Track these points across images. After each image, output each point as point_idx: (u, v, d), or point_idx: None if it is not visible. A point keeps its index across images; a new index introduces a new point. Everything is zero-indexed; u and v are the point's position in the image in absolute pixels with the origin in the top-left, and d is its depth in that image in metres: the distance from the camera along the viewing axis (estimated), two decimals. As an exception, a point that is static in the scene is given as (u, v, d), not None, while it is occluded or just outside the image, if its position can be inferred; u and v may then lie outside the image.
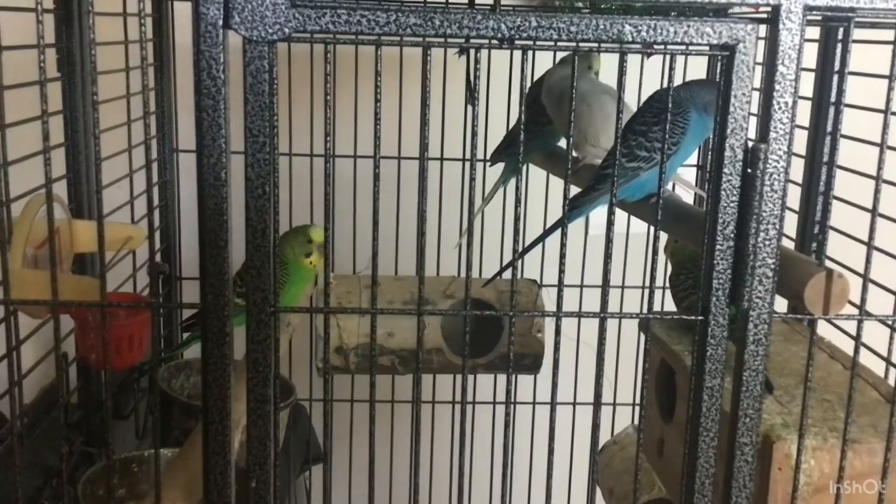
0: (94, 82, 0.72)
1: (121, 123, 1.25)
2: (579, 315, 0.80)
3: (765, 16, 0.74)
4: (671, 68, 0.75)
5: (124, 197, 1.31)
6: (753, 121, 0.73)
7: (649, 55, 1.62)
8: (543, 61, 1.53)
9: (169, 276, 1.53)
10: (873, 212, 0.78)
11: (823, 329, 1.15)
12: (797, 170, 1.24)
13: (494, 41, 0.72)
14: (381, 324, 1.49)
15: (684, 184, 1.34)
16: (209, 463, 0.74)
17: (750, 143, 0.73)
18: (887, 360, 0.98)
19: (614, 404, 1.70)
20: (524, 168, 1.57)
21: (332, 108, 1.61)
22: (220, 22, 0.68)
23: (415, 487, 0.81)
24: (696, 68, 1.64)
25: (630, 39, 0.72)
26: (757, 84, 0.77)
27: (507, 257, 1.64)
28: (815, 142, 1.20)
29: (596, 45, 0.74)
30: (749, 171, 0.73)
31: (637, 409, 1.67)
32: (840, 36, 1.13)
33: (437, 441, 1.71)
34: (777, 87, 0.72)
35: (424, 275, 1.67)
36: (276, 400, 0.76)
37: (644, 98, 1.12)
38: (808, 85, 1.22)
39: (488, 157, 1.59)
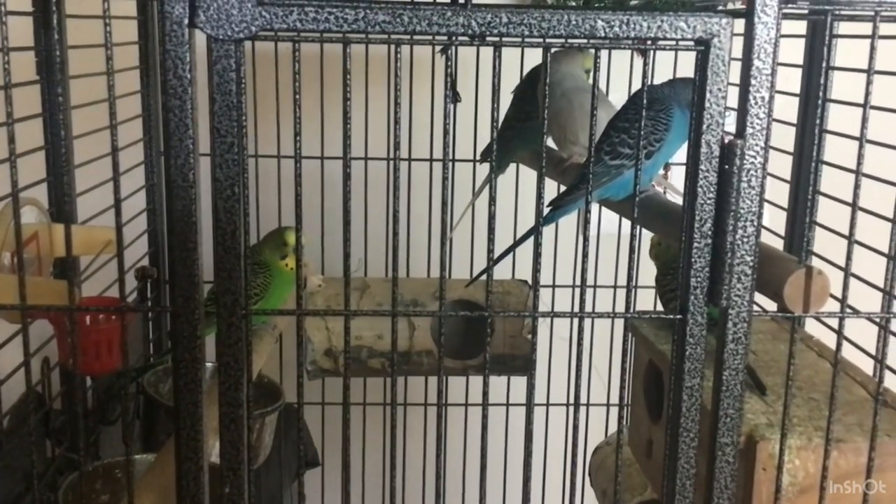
0: (66, 84, 0.71)
1: (105, 126, 1.24)
2: (557, 315, 0.79)
3: (741, 8, 0.73)
4: (645, 63, 0.74)
5: (111, 200, 1.30)
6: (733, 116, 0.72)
7: (642, 55, 1.61)
8: (533, 57, 1.53)
9: (157, 279, 1.52)
10: (853, 206, 0.77)
11: (812, 327, 1.14)
12: (786, 167, 1.23)
13: (465, 38, 0.71)
14: (369, 326, 1.48)
15: (675, 192, 1.33)
16: (182, 469, 0.73)
17: (727, 139, 0.72)
18: (875, 358, 0.97)
19: (607, 405, 1.69)
20: (512, 166, 1.56)
21: (321, 109, 1.61)
22: (186, 21, 0.67)
23: (392, 490, 0.80)
24: (687, 66, 1.63)
25: (603, 35, 0.71)
26: (734, 79, 0.75)
27: (498, 257, 1.63)
28: (802, 138, 1.18)
29: (580, 41, 0.72)
30: (726, 167, 0.71)
31: (629, 409, 1.66)
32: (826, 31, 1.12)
33: (430, 443, 1.71)
34: (753, 81, 0.71)
35: (414, 276, 1.67)
36: (249, 404, 0.75)
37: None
38: (797, 81, 1.21)
39: (477, 156, 1.58)
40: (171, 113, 0.68)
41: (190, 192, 0.70)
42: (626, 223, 1.62)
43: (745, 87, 0.71)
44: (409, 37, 0.70)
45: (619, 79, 1.64)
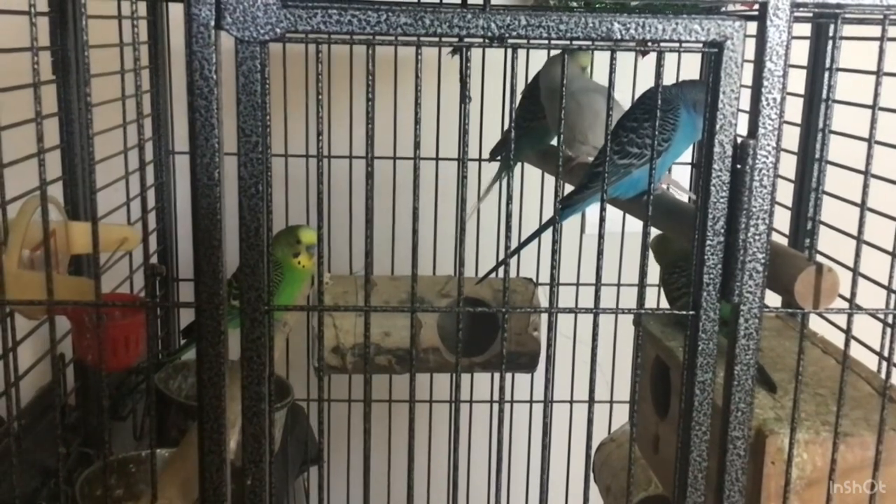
0: (88, 84, 0.72)
1: (116, 125, 1.26)
2: (572, 311, 0.81)
3: (753, 12, 0.75)
4: (659, 65, 0.75)
5: (121, 199, 1.31)
6: (744, 117, 0.74)
7: (644, 55, 1.63)
8: (538, 59, 1.54)
9: (166, 277, 1.53)
10: (862, 206, 0.79)
11: (816, 324, 1.16)
12: (790, 166, 1.25)
13: (485, 40, 0.72)
14: (377, 323, 1.49)
15: (680, 188, 1.35)
16: (205, 461, 0.75)
17: (739, 139, 0.73)
18: (880, 354, 0.99)
19: (611, 402, 1.71)
20: (517, 166, 1.58)
21: (328, 108, 1.62)
22: (212, 23, 0.69)
23: (410, 484, 0.81)
24: (690, 67, 1.65)
25: (619, 37, 0.72)
26: (746, 81, 0.77)
27: (503, 256, 1.64)
28: (807, 138, 1.20)
29: (588, 42, 0.74)
30: (738, 166, 0.73)
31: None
32: (830, 33, 1.14)
33: (434, 440, 1.72)
34: (765, 83, 0.72)
35: (420, 274, 1.68)
36: (271, 398, 0.76)
37: (637, 96, 1.13)
38: (800, 82, 1.23)
39: (484, 155, 1.60)
40: (198, 113, 0.70)
41: (215, 190, 0.71)
42: (629, 222, 1.64)
43: (757, 88, 0.73)
44: (416, 38, 0.72)
45: (622, 79, 1.66)
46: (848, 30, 1.12)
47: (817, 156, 1.17)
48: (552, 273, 0.78)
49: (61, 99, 1.11)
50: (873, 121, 0.77)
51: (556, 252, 0.78)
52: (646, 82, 1.44)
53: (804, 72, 1.22)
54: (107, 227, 1.10)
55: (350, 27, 0.70)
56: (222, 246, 0.72)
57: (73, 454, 1.17)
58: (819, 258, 1.16)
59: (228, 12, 0.69)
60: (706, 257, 0.75)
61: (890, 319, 0.86)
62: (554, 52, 1.43)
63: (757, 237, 0.74)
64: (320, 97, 0.73)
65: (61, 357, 1.10)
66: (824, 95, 1.14)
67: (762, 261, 0.74)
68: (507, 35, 0.71)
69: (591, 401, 0.81)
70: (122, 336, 1.06)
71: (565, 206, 1.08)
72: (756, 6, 0.72)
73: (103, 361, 0.75)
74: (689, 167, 1.72)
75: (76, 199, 1.14)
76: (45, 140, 0.76)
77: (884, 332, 0.90)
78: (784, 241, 1.27)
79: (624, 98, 1.52)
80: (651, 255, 1.22)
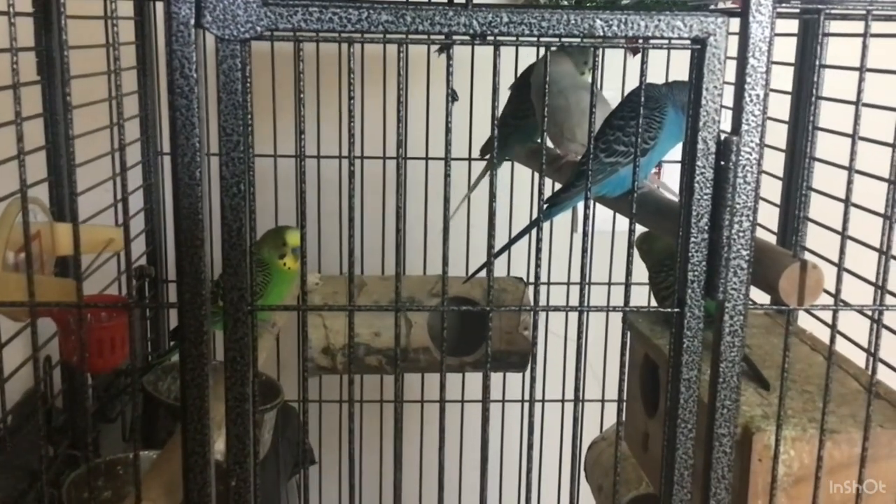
0: (67, 84, 0.72)
1: (103, 126, 1.25)
2: (557, 309, 0.80)
3: (736, 8, 0.75)
4: (643, 62, 0.75)
5: (110, 200, 1.31)
6: (728, 114, 0.74)
7: (634, 53, 1.63)
8: (527, 56, 1.54)
9: (155, 278, 1.53)
10: (846, 202, 0.79)
11: (805, 321, 1.16)
12: (778, 163, 1.25)
13: (466, 37, 0.72)
14: (367, 323, 1.49)
15: (668, 191, 1.35)
16: (188, 462, 0.74)
17: (723, 136, 0.73)
18: (867, 350, 0.99)
19: (602, 400, 1.71)
20: (504, 163, 1.58)
21: (318, 108, 1.62)
22: (192, 21, 0.68)
23: (397, 484, 0.81)
24: (680, 66, 1.65)
25: (602, 34, 0.72)
26: (730, 78, 0.77)
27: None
28: (794, 135, 1.20)
29: (576, 40, 0.74)
30: (722, 163, 0.73)
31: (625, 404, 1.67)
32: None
33: (426, 440, 1.72)
34: (748, 79, 0.72)
35: (411, 274, 1.68)
36: (254, 398, 0.76)
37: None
38: (788, 79, 1.23)
39: (473, 154, 1.59)
40: (178, 112, 0.69)
41: (196, 189, 0.71)
42: (619, 220, 1.64)
43: (740, 84, 0.72)
44: (404, 36, 0.71)
45: (612, 77, 1.66)
46: (836, 26, 1.12)
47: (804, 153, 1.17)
48: (537, 272, 0.77)
49: (46, 100, 1.11)
50: (856, 117, 0.77)
51: (539, 251, 0.77)
52: (636, 81, 1.44)
53: (792, 69, 1.22)
54: (93, 228, 1.10)
55: (331, 25, 0.70)
56: (205, 246, 0.72)
57: (60, 456, 1.17)
58: (808, 255, 1.16)
59: (208, 10, 0.68)
60: (691, 254, 0.75)
61: (876, 315, 0.86)
62: (547, 51, 1.42)
63: (741, 234, 0.74)
64: (302, 95, 0.73)
65: (48, 359, 1.10)
66: (812, 92, 1.14)
67: (746, 258, 0.74)
68: (488, 32, 0.71)
69: (578, 399, 0.80)
70: (108, 337, 1.06)
71: (552, 205, 1.08)
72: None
73: (85, 363, 0.75)
74: (679, 165, 1.72)
75: (62, 200, 1.14)
76: (32, 141, 0.75)
77: (871, 329, 0.90)
78: (773, 239, 1.27)
79: (614, 97, 1.52)
80: (637, 253, 1.22)
